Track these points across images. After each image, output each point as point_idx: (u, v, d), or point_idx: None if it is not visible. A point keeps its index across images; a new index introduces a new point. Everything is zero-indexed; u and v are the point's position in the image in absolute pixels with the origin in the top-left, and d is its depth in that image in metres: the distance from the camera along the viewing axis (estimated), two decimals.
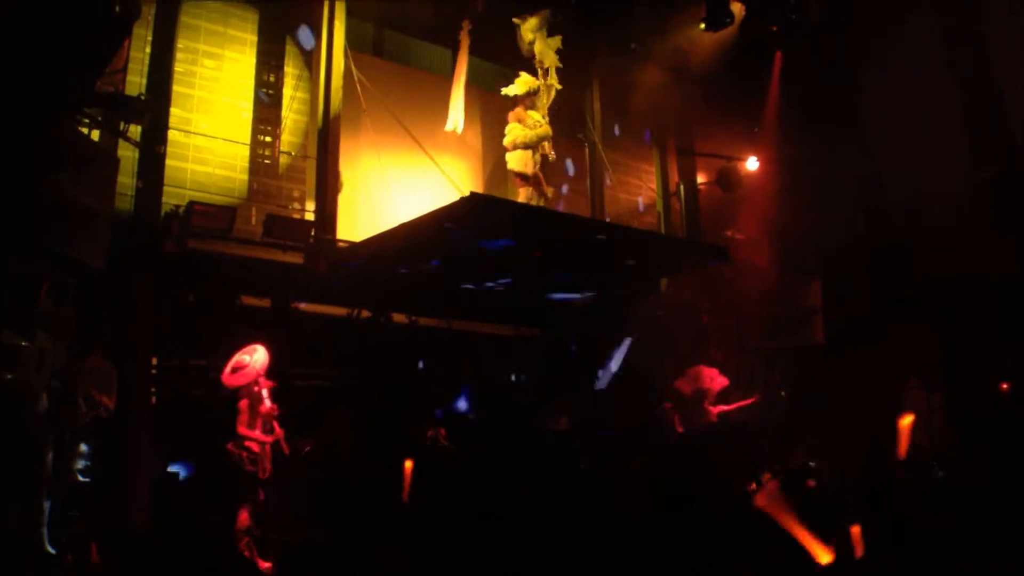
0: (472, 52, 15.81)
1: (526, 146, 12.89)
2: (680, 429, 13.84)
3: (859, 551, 7.69)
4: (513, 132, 12.94)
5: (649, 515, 10.05)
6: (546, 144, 13.05)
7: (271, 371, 10.81)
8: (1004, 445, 12.37)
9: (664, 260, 14.58)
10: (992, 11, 15.04)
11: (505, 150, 13.09)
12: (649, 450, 12.74)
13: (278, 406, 10.70)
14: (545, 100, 13.24)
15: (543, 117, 13.10)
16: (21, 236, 8.20)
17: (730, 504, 9.77)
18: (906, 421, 10.70)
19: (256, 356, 10.66)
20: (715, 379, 13.83)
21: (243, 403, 10.56)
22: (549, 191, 12.96)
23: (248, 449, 10.38)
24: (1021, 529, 7.62)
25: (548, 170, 13.33)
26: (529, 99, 13.03)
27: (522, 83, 13.09)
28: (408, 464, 10.48)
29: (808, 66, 16.81)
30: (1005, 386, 14.42)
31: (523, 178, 12.95)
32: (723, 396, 13.88)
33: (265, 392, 10.62)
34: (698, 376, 14.02)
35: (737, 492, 10.25)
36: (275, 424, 10.64)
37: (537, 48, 13.36)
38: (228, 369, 10.78)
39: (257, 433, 10.46)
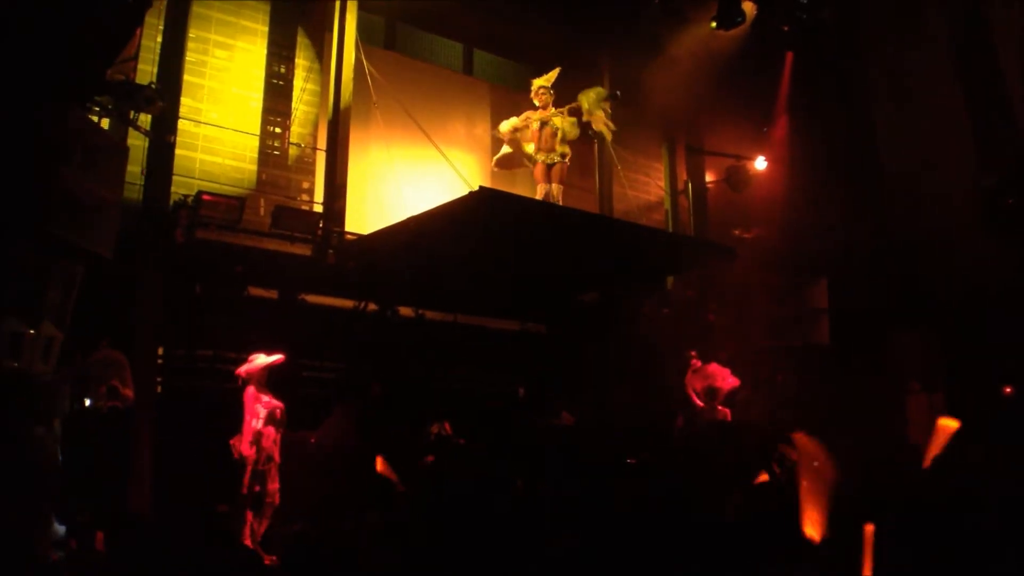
0: (483, 46, 15.91)
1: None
2: (680, 424, 13.83)
3: (868, 552, 7.66)
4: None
5: (645, 513, 10.04)
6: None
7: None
8: (1005, 449, 12.31)
9: (671, 258, 14.54)
10: (1001, 16, 14.97)
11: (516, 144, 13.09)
12: (650, 448, 12.70)
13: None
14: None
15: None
16: (29, 224, 8.21)
17: (727, 505, 9.76)
18: None
19: (260, 359, 10.66)
20: (727, 379, 13.76)
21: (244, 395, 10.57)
22: (557, 189, 12.86)
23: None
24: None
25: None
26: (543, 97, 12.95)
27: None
28: (379, 461, 10.45)
29: (818, 67, 16.79)
30: (1008, 390, 14.38)
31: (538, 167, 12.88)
32: (731, 396, 13.83)
33: (263, 402, 10.59)
34: (712, 374, 13.97)
35: (734, 493, 10.22)
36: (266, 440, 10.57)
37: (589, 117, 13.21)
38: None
39: (247, 431, 10.43)
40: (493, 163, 13.41)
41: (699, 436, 13.19)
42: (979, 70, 14.90)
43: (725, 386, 13.63)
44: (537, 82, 12.95)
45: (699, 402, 13.52)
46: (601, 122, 12.99)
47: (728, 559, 7.97)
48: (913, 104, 15.95)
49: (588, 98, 12.92)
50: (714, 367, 13.86)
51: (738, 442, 11.95)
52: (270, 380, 10.70)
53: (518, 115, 13.00)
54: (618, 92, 13.39)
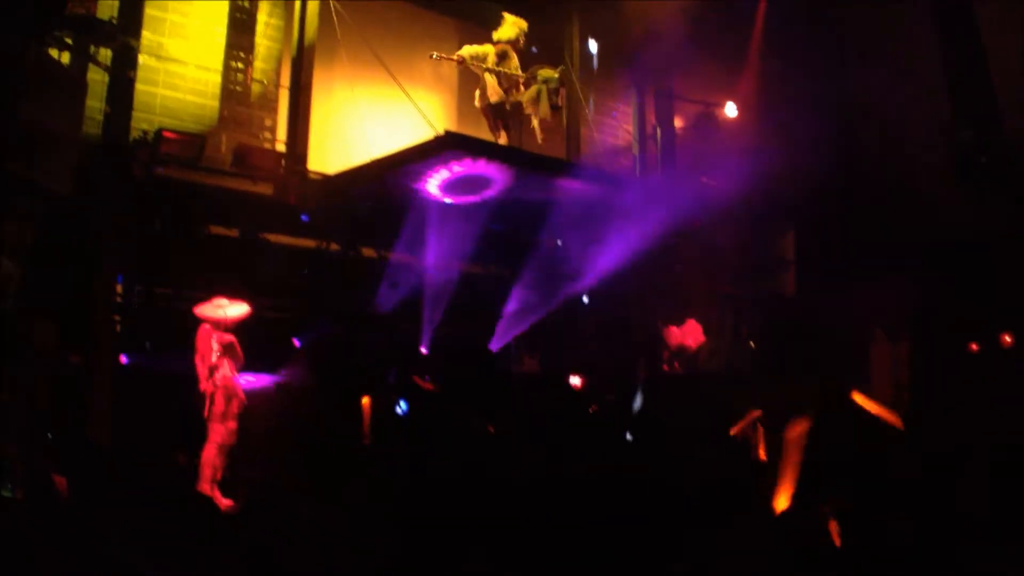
0: None
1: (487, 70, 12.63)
2: (643, 375, 13.88)
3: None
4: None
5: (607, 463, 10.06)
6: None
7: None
8: (969, 403, 12.38)
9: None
10: None
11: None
12: (613, 398, 12.68)
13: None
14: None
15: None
16: None
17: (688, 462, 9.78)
18: None
19: (230, 310, 10.60)
20: (698, 336, 13.78)
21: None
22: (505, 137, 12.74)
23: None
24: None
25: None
26: (516, 43, 12.74)
27: (511, 26, 12.80)
28: (365, 401, 10.45)
29: (791, 14, 16.66)
30: (974, 347, 14.45)
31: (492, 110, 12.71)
32: (695, 352, 13.85)
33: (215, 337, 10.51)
34: (687, 332, 13.97)
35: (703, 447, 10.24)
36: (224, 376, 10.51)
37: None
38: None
39: (202, 369, 10.38)
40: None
41: (662, 389, 13.19)
42: (956, 23, 14.79)
43: (694, 344, 13.66)
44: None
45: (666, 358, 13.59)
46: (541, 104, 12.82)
47: (688, 516, 7.99)
48: (888, 54, 15.87)
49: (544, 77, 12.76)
50: (690, 324, 13.87)
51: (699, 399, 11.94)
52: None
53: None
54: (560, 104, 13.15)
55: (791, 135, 15.66)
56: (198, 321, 10.56)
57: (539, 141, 12.85)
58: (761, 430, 10.38)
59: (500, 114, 12.63)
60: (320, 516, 8.89)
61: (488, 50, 12.58)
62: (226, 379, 10.45)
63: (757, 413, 10.65)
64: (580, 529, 8.54)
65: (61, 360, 9.90)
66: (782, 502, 7.95)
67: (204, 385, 10.32)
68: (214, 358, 10.40)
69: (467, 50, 12.56)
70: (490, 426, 11.34)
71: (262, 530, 9.11)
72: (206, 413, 10.27)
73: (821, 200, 15.94)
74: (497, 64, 12.57)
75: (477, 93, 12.70)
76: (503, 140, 12.59)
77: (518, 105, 12.58)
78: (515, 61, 12.67)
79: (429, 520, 8.80)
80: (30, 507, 8.52)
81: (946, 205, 14.31)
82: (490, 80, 12.53)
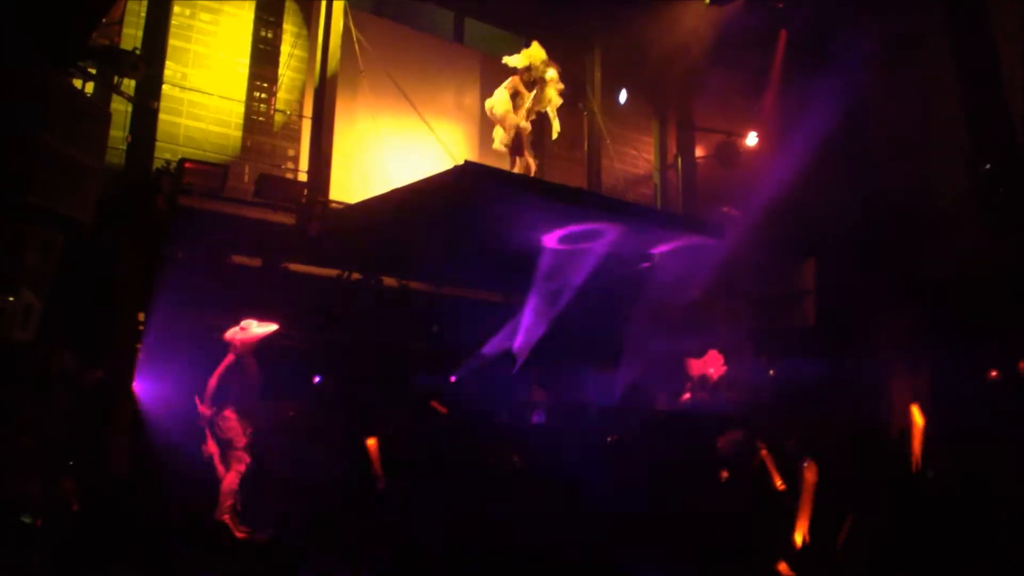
0: (475, 15, 15.73)
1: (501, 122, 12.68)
2: (662, 406, 13.83)
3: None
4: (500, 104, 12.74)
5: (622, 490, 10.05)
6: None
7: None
8: (990, 432, 12.28)
9: (658, 235, 14.44)
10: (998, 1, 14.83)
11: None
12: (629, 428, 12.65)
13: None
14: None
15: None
16: (8, 192, 8.12)
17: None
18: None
19: (257, 328, 10.66)
20: (719, 366, 13.71)
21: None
22: (533, 164, 12.78)
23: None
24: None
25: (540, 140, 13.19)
26: (528, 73, 12.77)
27: (525, 55, 12.85)
28: (371, 442, 10.46)
29: (812, 45, 16.64)
30: (994, 373, 14.32)
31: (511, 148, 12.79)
32: (716, 383, 13.76)
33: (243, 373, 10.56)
34: (708, 362, 13.91)
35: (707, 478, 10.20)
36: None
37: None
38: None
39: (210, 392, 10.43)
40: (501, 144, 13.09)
41: (681, 420, 13.15)
42: (973, 54, 14.76)
43: (715, 374, 13.60)
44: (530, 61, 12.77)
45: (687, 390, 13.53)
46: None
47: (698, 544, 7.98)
48: (907, 86, 15.84)
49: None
50: (711, 354, 13.81)
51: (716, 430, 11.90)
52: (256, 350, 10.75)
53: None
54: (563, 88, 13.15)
55: (811, 164, 15.63)
56: (218, 349, 10.61)
57: (554, 136, 13.03)
58: (770, 458, 10.33)
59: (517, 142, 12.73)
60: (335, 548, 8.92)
61: (502, 97, 12.61)
62: (243, 411, 10.49)
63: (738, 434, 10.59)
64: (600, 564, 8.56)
65: (83, 383, 9.96)
66: (799, 537, 7.95)
67: (203, 407, 10.37)
68: (237, 397, 10.45)
69: (492, 106, 12.62)
70: (516, 457, 11.35)
71: (279, 559, 9.16)
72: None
73: (841, 230, 15.85)
74: (512, 100, 12.66)
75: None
76: (519, 168, 12.61)
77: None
78: (524, 92, 12.73)
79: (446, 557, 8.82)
80: (50, 534, 8.58)
81: (966, 235, 14.25)
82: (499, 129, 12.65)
